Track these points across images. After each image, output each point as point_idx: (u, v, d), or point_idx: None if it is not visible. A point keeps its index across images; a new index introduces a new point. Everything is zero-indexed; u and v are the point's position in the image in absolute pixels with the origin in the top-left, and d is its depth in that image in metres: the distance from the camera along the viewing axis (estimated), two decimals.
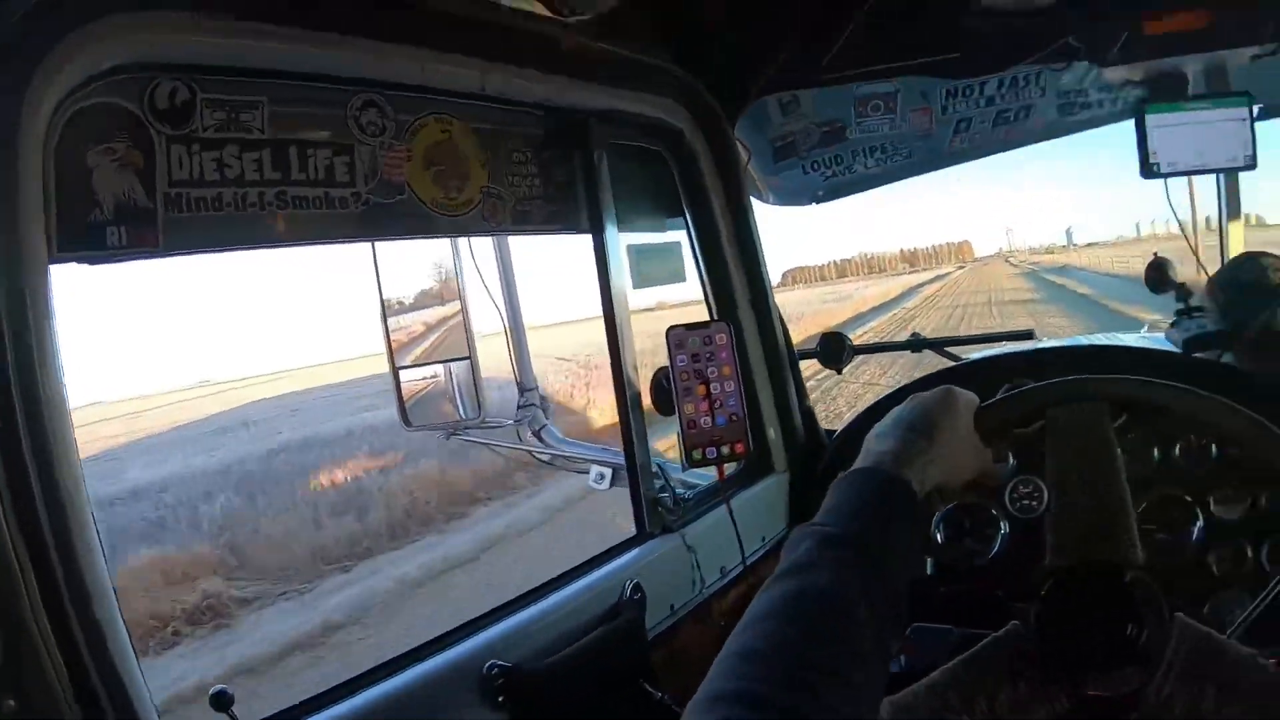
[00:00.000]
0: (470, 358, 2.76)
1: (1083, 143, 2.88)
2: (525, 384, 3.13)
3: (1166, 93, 2.72)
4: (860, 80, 3.13)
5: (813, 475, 2.56)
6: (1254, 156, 2.70)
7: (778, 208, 3.83)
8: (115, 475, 23.35)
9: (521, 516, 14.66)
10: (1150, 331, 3.27)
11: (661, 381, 2.18)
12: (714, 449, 2.09)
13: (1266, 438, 1.32)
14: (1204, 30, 2.42)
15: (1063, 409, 1.41)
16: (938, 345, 3.13)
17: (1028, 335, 3.16)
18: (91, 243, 1.31)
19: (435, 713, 1.50)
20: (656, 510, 2.15)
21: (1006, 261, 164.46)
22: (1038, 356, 2.80)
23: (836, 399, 16.79)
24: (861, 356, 3.23)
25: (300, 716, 1.37)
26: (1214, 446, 1.89)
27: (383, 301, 2.68)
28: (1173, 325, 2.64)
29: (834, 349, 2.88)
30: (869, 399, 3.06)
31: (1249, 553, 1.96)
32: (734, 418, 2.10)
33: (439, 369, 2.85)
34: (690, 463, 2.11)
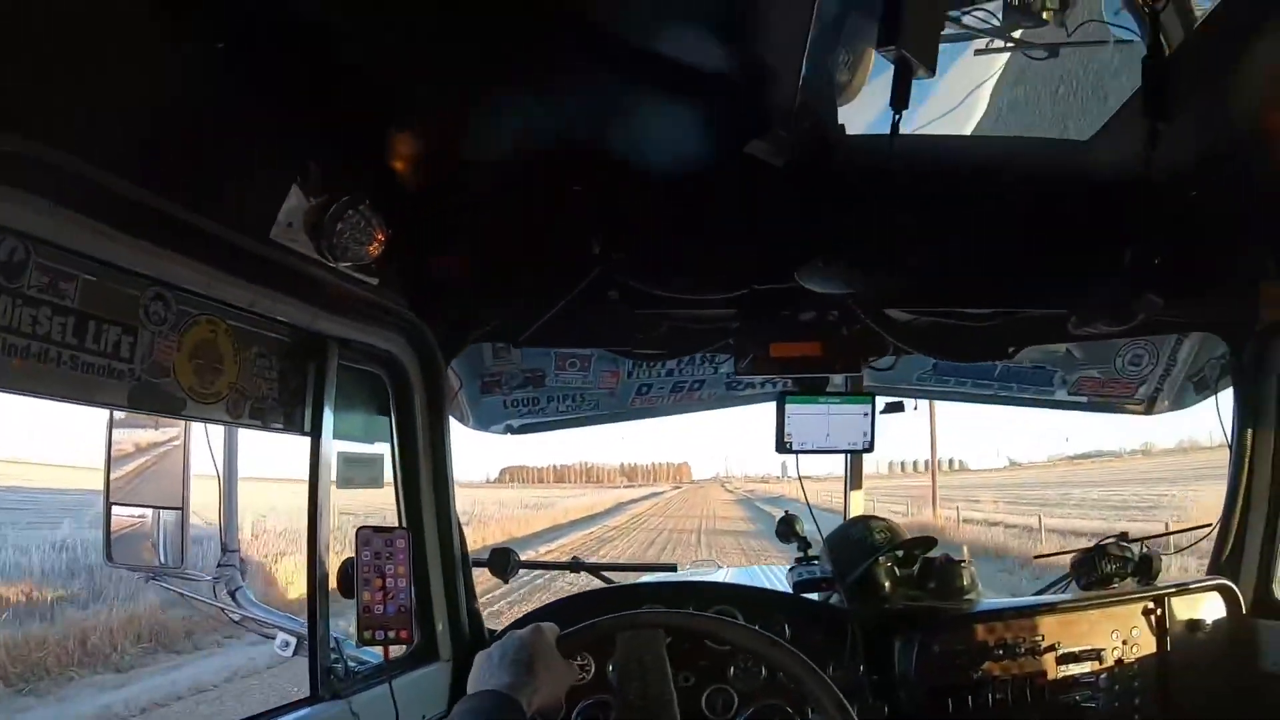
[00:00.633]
0: (183, 510, 2.82)
1: None
2: (228, 545, 3.15)
3: (806, 386, 3.21)
4: (554, 347, 3.62)
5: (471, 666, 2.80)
6: (872, 442, 3.23)
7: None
8: None
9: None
10: None
11: (347, 570, 2.42)
12: (383, 632, 2.38)
13: (774, 648, 1.70)
14: (816, 358, 2.95)
15: (628, 633, 1.76)
16: (594, 569, 3.42)
17: (671, 568, 3.59)
18: None
19: None
20: (329, 678, 2.37)
21: (723, 487, 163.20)
22: (675, 587, 3.23)
23: None
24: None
25: None
26: None
27: (110, 430, 2.70)
28: (791, 569, 3.12)
29: (501, 562, 3.16)
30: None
31: None
32: (403, 609, 2.40)
33: (149, 513, 2.86)
34: (361, 640, 2.40)
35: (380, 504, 2.75)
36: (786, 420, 3.18)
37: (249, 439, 3.09)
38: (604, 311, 2.84)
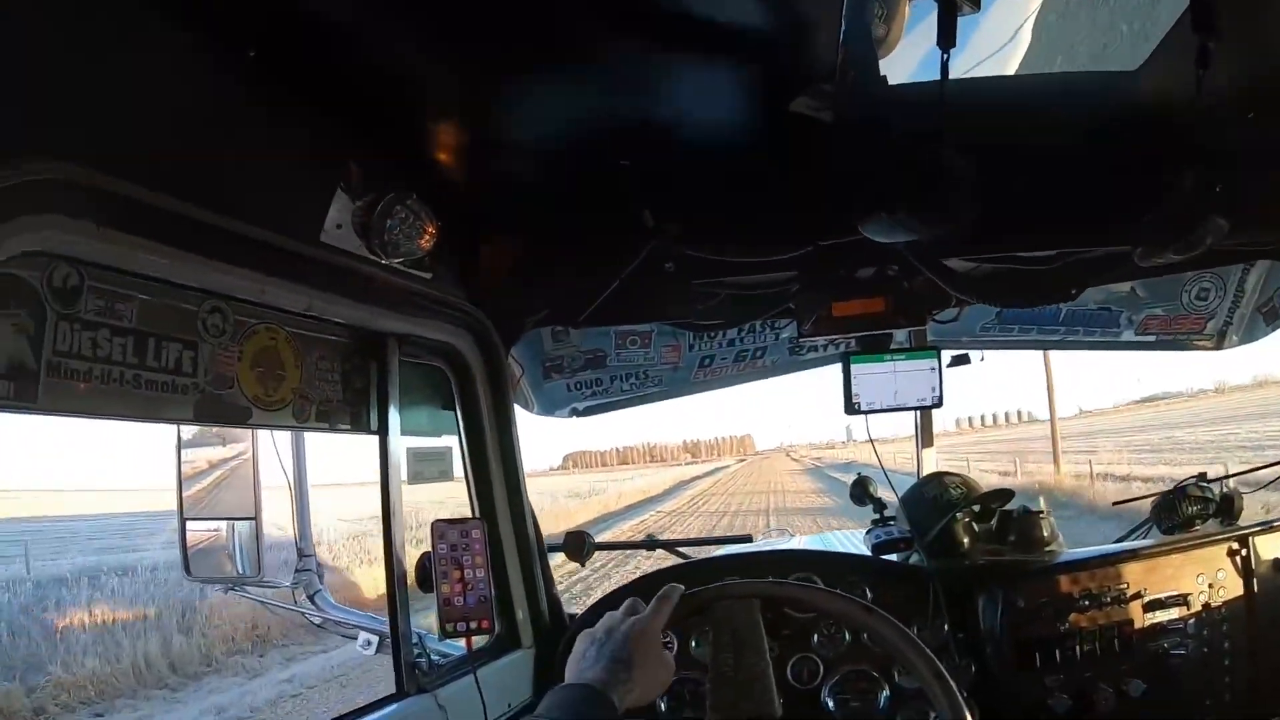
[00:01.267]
0: (256, 519, 2.84)
1: None
2: (304, 550, 3.23)
3: (871, 345, 3.14)
4: (613, 325, 3.61)
5: (555, 652, 2.80)
6: (940, 397, 3.16)
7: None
8: None
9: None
10: None
11: (425, 564, 2.43)
12: (464, 624, 2.39)
13: (869, 615, 1.66)
14: (879, 314, 2.92)
15: (723, 603, 1.72)
16: (669, 545, 3.44)
17: (747, 539, 3.57)
18: None
19: None
20: (414, 672, 2.40)
21: (788, 456, 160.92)
22: (752, 557, 3.19)
23: None
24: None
25: None
26: None
27: (179, 449, 2.75)
28: (868, 532, 3.08)
29: (576, 545, 3.17)
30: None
31: (931, 717, 2.41)
32: (483, 599, 2.41)
33: (223, 526, 2.90)
34: (444, 634, 2.41)
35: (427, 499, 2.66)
36: (853, 380, 3.13)
37: (314, 448, 3.19)
38: (661, 284, 2.82)
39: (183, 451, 2.74)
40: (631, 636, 1.58)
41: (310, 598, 3.21)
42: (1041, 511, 2.94)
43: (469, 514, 2.79)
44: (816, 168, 2.40)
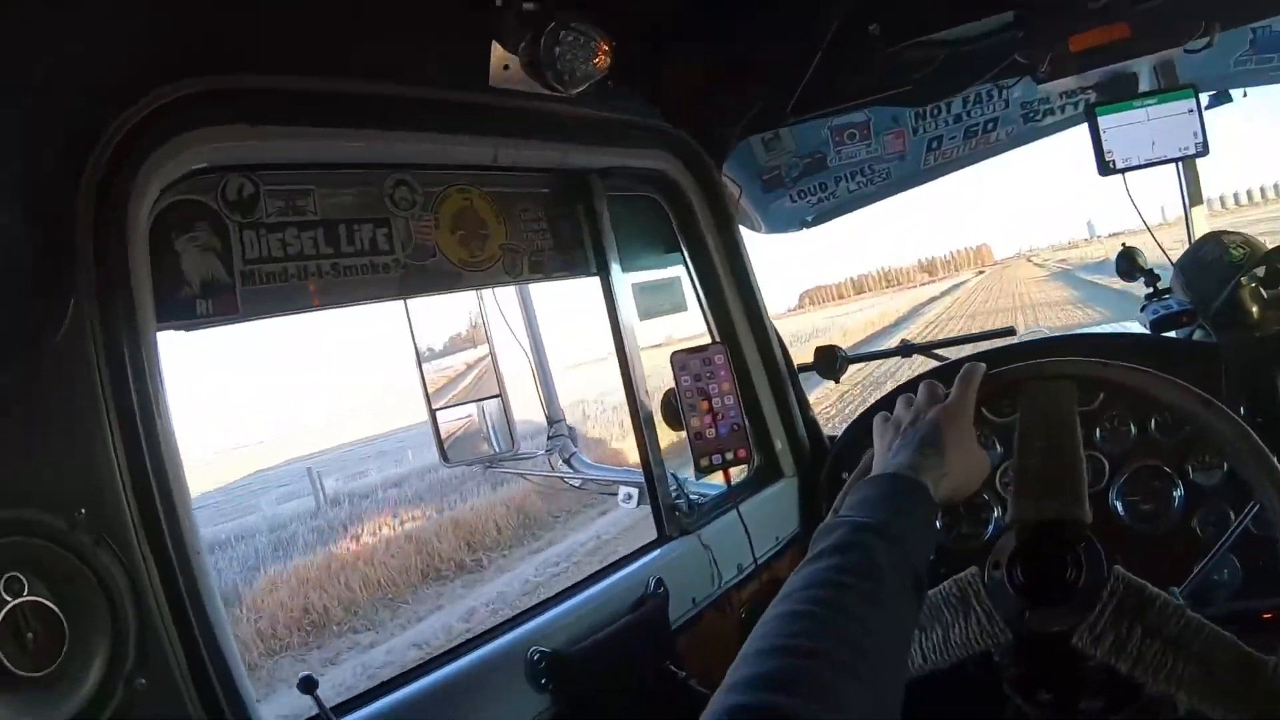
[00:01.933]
0: (501, 395, 2.94)
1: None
2: (553, 416, 3.30)
3: (1116, 91, 2.79)
4: (825, 117, 3.34)
5: (818, 478, 2.70)
6: (1205, 143, 2.76)
7: (778, 236, 4.03)
8: None
9: None
10: None
11: (670, 400, 2.37)
12: (719, 456, 2.29)
13: (1208, 408, 1.46)
14: (1125, 41, 2.55)
15: (1032, 386, 1.55)
16: (925, 349, 3.21)
17: (1010, 332, 3.30)
18: (184, 313, 1.59)
19: (489, 693, 1.73)
20: (674, 515, 2.35)
21: (1029, 261, 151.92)
22: (1020, 349, 2.88)
23: None
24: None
25: (375, 698, 1.60)
26: None
27: (417, 351, 2.87)
28: (1143, 309, 2.78)
29: (829, 361, 3.04)
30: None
31: (1232, 517, 2.13)
32: (736, 427, 2.31)
33: (472, 409, 3.01)
34: (699, 470, 2.32)
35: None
36: (1103, 136, 2.76)
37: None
38: (869, 55, 2.56)
39: (434, 362, 2.92)
40: (940, 421, 1.40)
41: (566, 460, 3.27)
42: None
43: None
44: None
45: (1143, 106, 2.76)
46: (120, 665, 1.22)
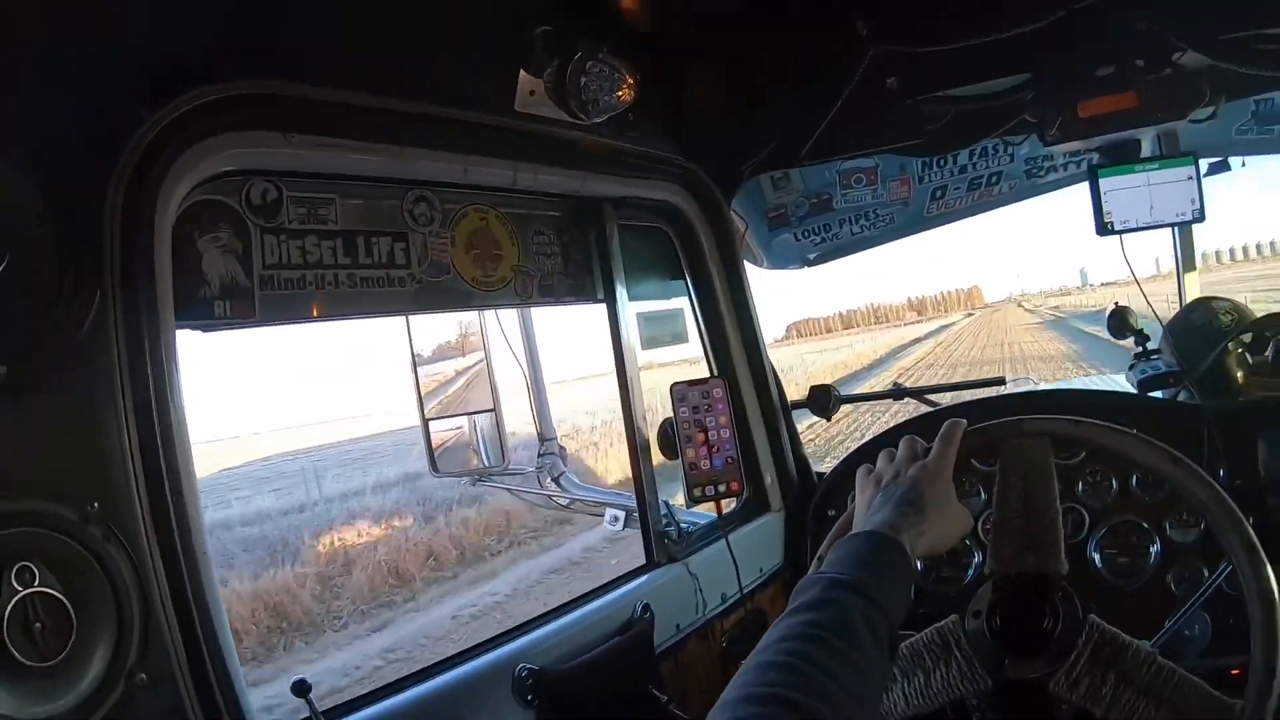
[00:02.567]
0: (495, 410, 2.95)
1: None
2: (545, 434, 3.31)
3: (1119, 155, 2.83)
4: (837, 161, 3.38)
5: (805, 513, 2.73)
6: (1202, 210, 2.80)
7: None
8: None
9: None
10: None
11: (667, 430, 2.41)
12: (712, 487, 2.35)
13: (1177, 467, 1.50)
14: (1132, 110, 2.58)
15: (1010, 442, 1.59)
16: (917, 394, 3.24)
17: (999, 382, 3.35)
18: (203, 314, 1.60)
19: (476, 706, 1.76)
20: (663, 542, 2.39)
21: (1020, 306, 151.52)
22: (1006, 401, 2.91)
23: None
24: None
25: (365, 706, 1.63)
26: None
27: (414, 356, 2.88)
28: (1131, 368, 2.84)
29: (822, 399, 3.06)
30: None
31: (1206, 574, 2.18)
32: (730, 461, 2.36)
33: (464, 421, 3.03)
34: (691, 500, 2.37)
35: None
36: (1103, 197, 2.80)
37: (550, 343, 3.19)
38: (884, 106, 2.60)
39: (424, 368, 2.92)
40: (920, 479, 1.44)
41: (555, 480, 3.28)
42: None
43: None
44: None
45: (1144, 171, 2.81)
46: (123, 660, 1.23)
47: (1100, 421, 1.59)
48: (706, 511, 2.50)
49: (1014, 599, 1.49)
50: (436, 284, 2.04)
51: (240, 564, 17.14)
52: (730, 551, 2.38)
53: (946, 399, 3.22)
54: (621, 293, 2.47)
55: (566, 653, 1.95)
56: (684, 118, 2.56)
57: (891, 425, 2.82)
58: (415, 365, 2.91)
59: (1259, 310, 2.59)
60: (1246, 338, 2.56)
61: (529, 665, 1.84)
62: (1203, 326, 2.66)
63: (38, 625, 1.14)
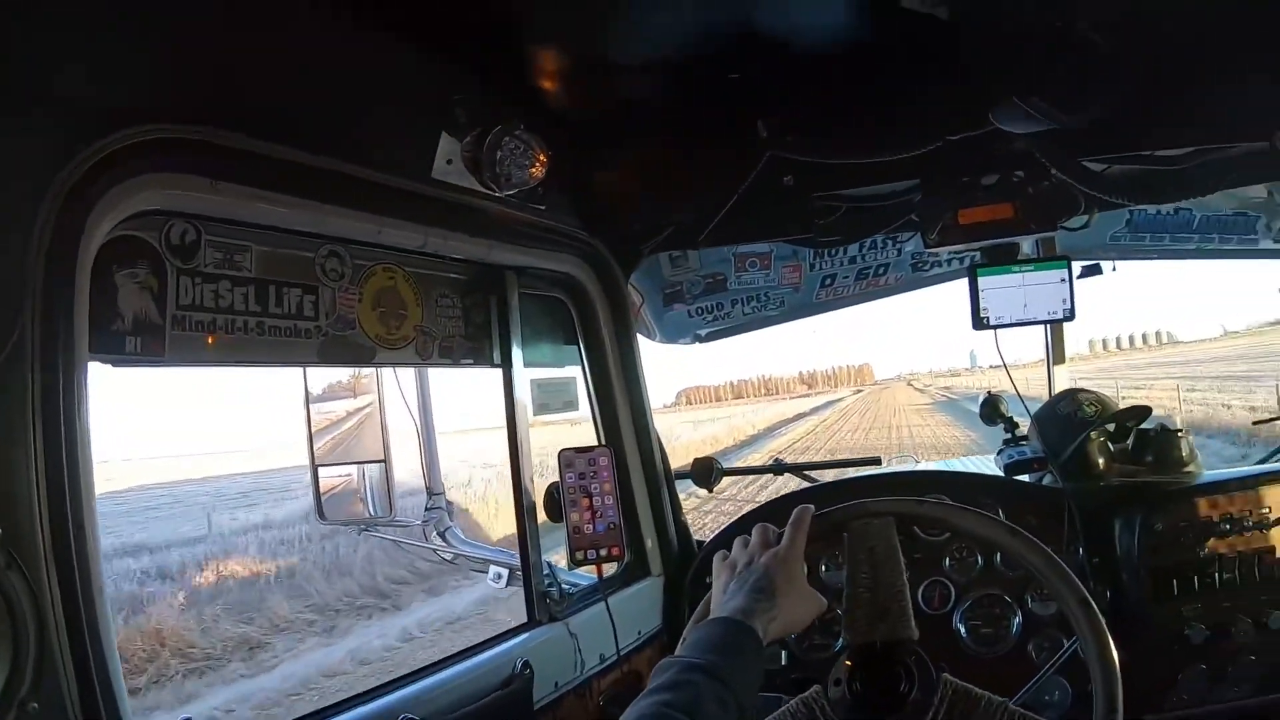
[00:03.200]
0: (385, 461, 2.91)
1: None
2: (433, 488, 3.32)
3: (997, 256, 3.01)
4: (733, 245, 3.54)
5: (684, 579, 2.83)
6: (1073, 309, 2.99)
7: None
8: None
9: None
10: None
11: (553, 493, 2.46)
12: (594, 551, 2.42)
13: (1014, 538, 1.61)
14: (1008, 220, 2.77)
15: (856, 524, 1.67)
16: (796, 469, 3.34)
17: (875, 461, 3.49)
18: (114, 347, 1.60)
19: None
20: (545, 601, 2.45)
21: (910, 385, 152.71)
22: (881, 480, 3.09)
23: None
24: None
25: None
26: None
27: (307, 397, 2.84)
28: (999, 453, 3.00)
29: (704, 472, 3.16)
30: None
31: (1064, 643, 2.32)
32: (612, 526, 2.43)
33: (353, 469, 2.99)
34: (574, 562, 2.44)
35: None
36: (981, 294, 3.00)
37: (441, 393, 3.26)
38: (780, 200, 2.73)
39: (313, 406, 2.84)
40: (771, 566, 1.54)
41: (441, 534, 3.28)
42: (1180, 430, 2.78)
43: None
44: (940, 59, 2.27)
45: (1020, 271, 2.99)
46: (16, 688, 1.21)
47: (943, 500, 1.72)
48: (588, 574, 2.55)
49: (870, 666, 1.60)
50: (342, 338, 2.06)
51: None
52: (609, 613, 2.44)
53: (830, 475, 3.32)
54: (518, 358, 2.53)
55: (448, 704, 1.98)
56: (591, 195, 2.66)
57: (770, 500, 2.92)
58: (309, 405, 2.87)
59: (1120, 394, 2.75)
60: (1110, 428, 2.74)
61: (410, 715, 1.86)
62: (1068, 416, 2.80)
63: None
